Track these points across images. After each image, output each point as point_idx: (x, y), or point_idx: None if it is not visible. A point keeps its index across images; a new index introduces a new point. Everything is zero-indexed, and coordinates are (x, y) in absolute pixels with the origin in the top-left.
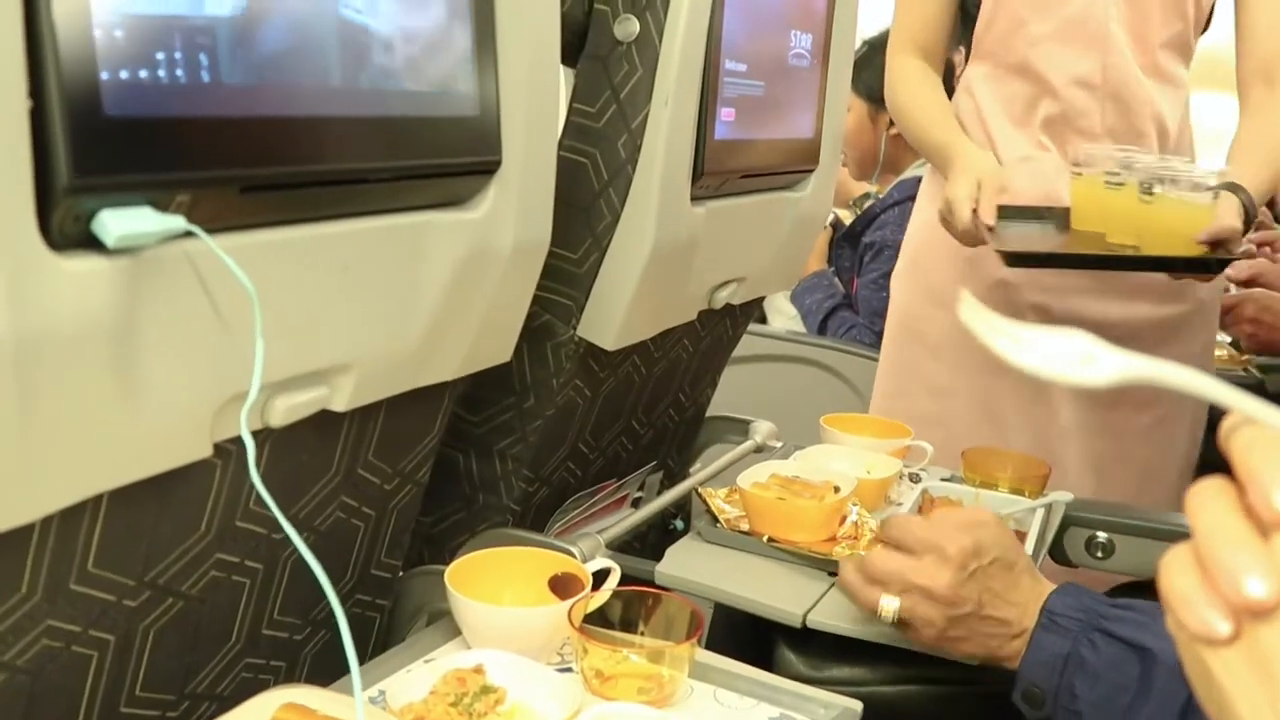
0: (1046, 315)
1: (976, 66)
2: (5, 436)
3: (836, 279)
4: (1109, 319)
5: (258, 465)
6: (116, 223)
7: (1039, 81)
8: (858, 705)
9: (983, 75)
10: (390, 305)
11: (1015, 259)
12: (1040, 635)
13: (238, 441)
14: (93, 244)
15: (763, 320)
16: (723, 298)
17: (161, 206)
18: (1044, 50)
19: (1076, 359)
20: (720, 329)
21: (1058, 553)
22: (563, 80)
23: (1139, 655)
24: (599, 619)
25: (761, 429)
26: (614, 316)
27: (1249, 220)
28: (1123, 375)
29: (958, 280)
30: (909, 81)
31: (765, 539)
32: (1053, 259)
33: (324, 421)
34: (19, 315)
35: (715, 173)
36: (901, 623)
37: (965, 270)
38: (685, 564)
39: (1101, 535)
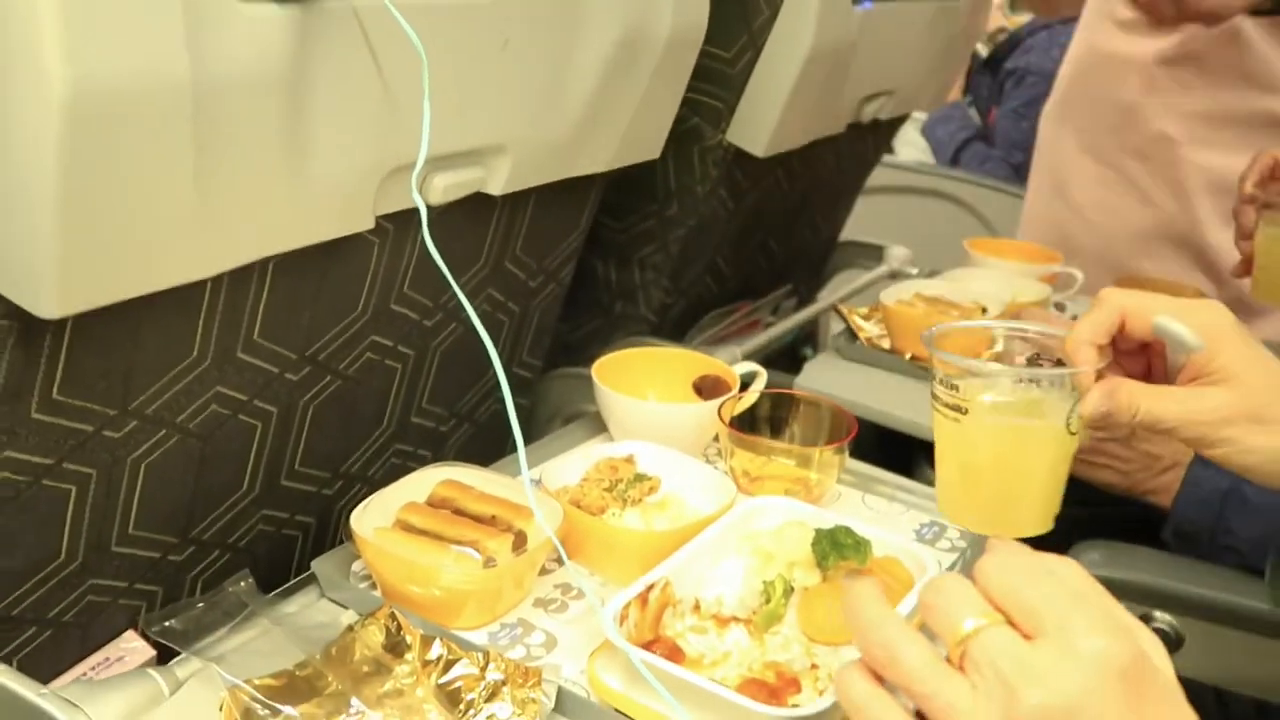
0: (1208, 174)
1: None
2: (181, 185)
3: (972, 110)
4: None
5: (413, 245)
6: None
7: None
8: None
9: None
10: (546, 86)
11: None
12: (1198, 470)
13: (394, 220)
14: None
15: (890, 153)
16: (871, 111)
17: None
18: None
19: None
20: (862, 147)
21: None
22: None
23: None
24: (747, 423)
25: (897, 254)
26: (766, 121)
27: None
28: None
29: (1112, 129)
30: None
31: (908, 356)
32: None
33: (477, 208)
34: (198, 59)
35: None
36: None
37: (1121, 120)
38: (823, 379)
39: None
